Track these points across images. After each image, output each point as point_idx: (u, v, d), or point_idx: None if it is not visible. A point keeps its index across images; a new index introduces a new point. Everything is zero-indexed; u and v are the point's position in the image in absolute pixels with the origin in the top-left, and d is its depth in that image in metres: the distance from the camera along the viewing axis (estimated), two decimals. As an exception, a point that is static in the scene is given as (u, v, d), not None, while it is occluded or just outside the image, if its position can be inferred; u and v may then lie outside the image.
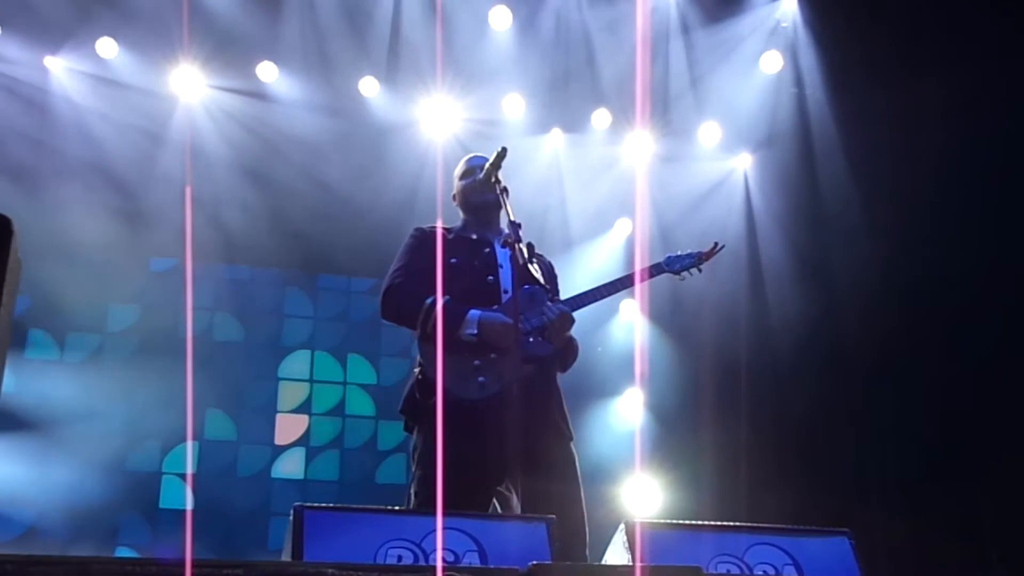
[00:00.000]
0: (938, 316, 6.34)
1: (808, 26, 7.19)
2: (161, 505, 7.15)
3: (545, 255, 3.97)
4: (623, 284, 3.92)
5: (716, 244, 3.96)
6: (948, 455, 6.19)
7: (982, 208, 6.29)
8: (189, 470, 7.14)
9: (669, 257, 3.94)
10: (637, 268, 3.99)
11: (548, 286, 3.77)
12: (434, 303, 3.60)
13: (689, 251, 3.96)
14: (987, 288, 6.20)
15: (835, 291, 6.84)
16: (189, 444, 7.18)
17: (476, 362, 3.57)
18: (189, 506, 7.06)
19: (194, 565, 1.75)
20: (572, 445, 3.69)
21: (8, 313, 2.39)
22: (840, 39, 7.02)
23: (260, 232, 7.23)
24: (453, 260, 3.74)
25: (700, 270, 3.94)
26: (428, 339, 3.56)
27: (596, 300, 3.82)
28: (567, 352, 3.79)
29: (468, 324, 3.58)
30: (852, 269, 6.72)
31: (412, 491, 3.53)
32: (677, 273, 3.92)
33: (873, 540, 3.33)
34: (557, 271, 4.09)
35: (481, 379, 3.55)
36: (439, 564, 2.47)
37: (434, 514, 2.69)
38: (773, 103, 7.38)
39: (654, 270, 3.92)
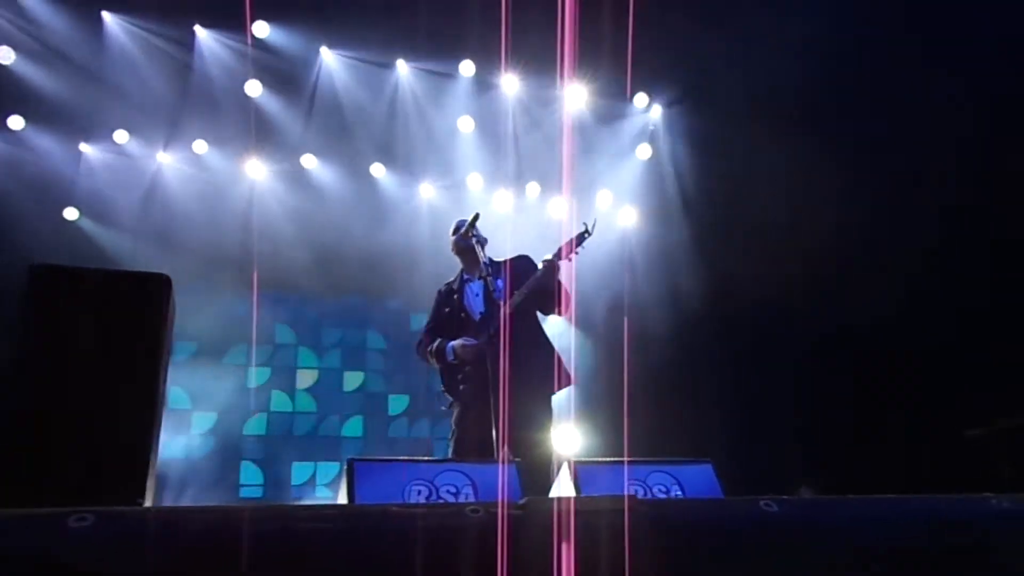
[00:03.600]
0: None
1: (667, 125, 7.38)
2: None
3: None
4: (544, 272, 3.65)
5: (585, 225, 3.62)
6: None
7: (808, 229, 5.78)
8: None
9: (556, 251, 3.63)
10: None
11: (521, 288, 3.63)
12: (432, 348, 3.82)
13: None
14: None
15: (687, 305, 6.84)
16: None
17: (459, 375, 3.74)
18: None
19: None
20: (544, 406, 3.65)
21: (168, 348, 2.36)
22: (687, 133, 7.16)
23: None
24: (447, 309, 3.89)
25: (583, 246, 3.61)
26: (435, 366, 3.87)
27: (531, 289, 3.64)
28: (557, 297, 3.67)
29: (448, 354, 3.76)
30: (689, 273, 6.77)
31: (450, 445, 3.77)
32: (567, 258, 3.62)
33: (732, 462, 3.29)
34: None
35: (463, 387, 3.70)
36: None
37: (441, 461, 2.74)
38: (645, 176, 7.50)
39: (555, 258, 3.61)
